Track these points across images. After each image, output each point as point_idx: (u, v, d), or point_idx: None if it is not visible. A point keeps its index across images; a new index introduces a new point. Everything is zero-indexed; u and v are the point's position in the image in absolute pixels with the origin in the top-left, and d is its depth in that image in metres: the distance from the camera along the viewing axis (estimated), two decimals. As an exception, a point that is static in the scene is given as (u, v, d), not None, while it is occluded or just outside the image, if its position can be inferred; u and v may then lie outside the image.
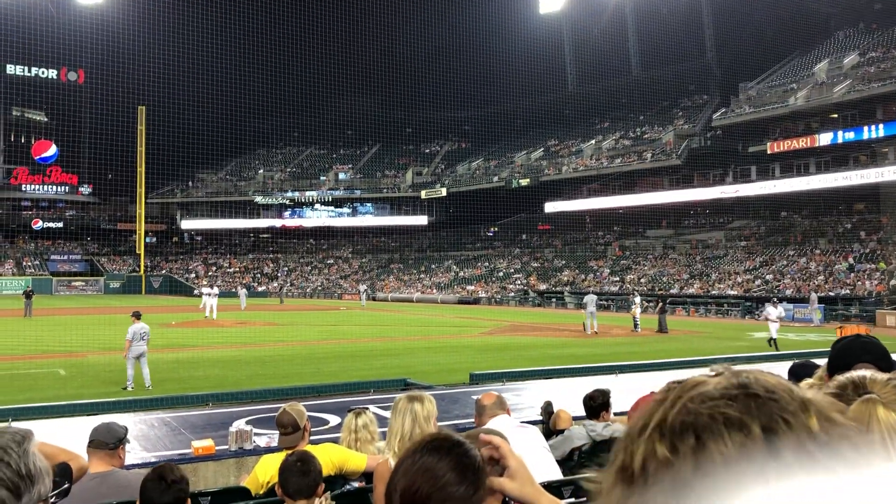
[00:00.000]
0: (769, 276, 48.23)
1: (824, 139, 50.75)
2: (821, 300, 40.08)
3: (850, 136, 49.70)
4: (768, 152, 54.03)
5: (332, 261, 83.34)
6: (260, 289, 73.23)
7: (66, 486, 1.61)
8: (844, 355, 2.75)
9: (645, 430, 0.76)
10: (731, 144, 58.47)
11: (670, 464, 0.70)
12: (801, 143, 51.99)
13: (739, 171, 59.29)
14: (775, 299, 28.93)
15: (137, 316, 16.45)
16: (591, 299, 31.67)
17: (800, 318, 39.37)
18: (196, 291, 50.09)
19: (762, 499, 0.63)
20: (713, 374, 0.78)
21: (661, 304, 32.80)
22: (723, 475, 0.66)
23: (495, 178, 74.01)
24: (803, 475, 0.65)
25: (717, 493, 0.65)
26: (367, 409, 5.78)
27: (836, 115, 52.30)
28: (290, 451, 4.93)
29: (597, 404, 6.84)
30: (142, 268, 77.32)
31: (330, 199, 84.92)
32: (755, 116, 55.59)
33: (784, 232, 55.93)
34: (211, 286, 47.34)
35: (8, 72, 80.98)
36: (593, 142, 71.53)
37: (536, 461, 4.59)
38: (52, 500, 1.45)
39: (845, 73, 52.64)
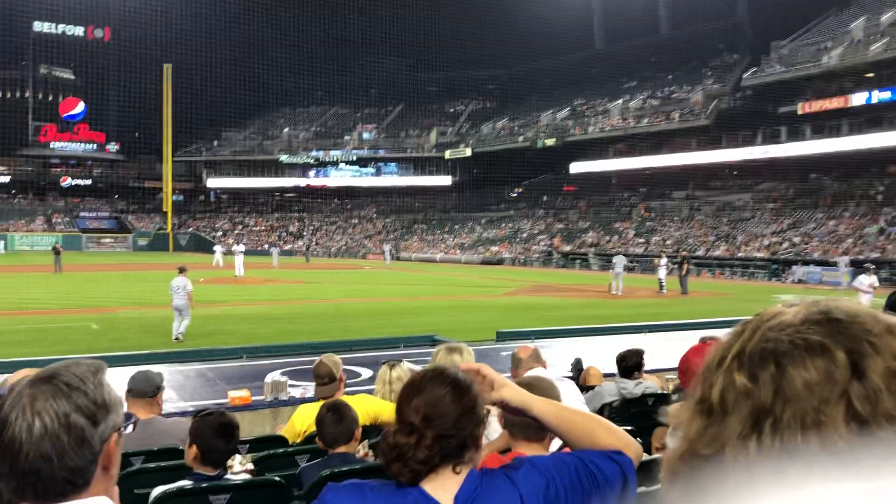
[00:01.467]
0: (797, 239, 47.68)
1: (858, 99, 49.62)
2: (850, 263, 39.60)
3: (886, 95, 48.49)
4: (799, 113, 52.99)
5: (356, 220, 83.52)
6: (286, 247, 73.75)
7: (134, 419, 1.66)
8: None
9: (723, 362, 0.75)
10: (761, 105, 57.40)
11: (750, 393, 0.70)
12: (833, 103, 50.89)
13: (769, 132, 58.25)
14: (870, 265, 25.27)
15: (181, 270, 16.78)
16: (619, 260, 31.60)
17: (828, 281, 39.03)
18: (221, 249, 50.21)
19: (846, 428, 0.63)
20: (789, 305, 0.77)
21: (685, 266, 32.56)
22: (805, 400, 0.66)
23: (520, 138, 73.42)
24: (890, 399, 0.64)
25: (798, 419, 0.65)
26: (401, 361, 5.84)
27: (871, 75, 50.99)
28: (325, 401, 5.01)
29: (630, 364, 6.81)
30: (169, 226, 78.04)
31: (354, 159, 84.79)
32: (787, 76, 54.44)
33: (813, 194, 55.11)
34: (237, 243, 47.61)
35: (35, 29, 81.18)
36: (620, 101, 70.56)
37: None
38: (125, 431, 1.50)
39: (883, 30, 51.22)
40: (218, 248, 50.17)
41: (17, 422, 1.34)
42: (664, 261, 33.54)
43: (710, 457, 0.72)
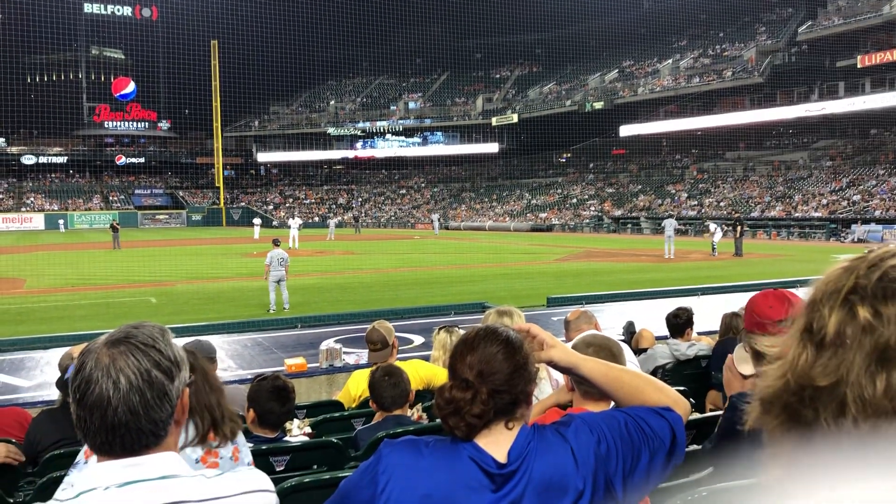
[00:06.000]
0: (856, 197, 46.33)
1: (922, 50, 47.74)
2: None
3: (951, 45, 46.60)
4: (858, 66, 51.15)
5: (404, 191, 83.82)
6: (337, 219, 74.48)
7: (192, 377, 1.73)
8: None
9: (837, 295, 0.76)
10: (817, 60, 55.58)
11: (872, 329, 0.71)
12: (895, 55, 48.99)
13: (826, 87, 56.47)
14: None
15: (276, 243, 17.20)
16: (669, 223, 31.14)
17: (888, 239, 37.92)
18: (275, 222, 51.20)
19: None
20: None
21: (739, 227, 31.90)
22: None
23: (568, 102, 72.45)
24: None
25: None
26: (457, 326, 5.89)
27: (936, 23, 49.00)
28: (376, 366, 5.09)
29: (681, 321, 6.82)
30: (221, 200, 79.37)
31: (401, 129, 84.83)
32: (845, 28, 52.51)
33: (873, 151, 53.38)
34: (292, 216, 48.56)
35: (86, 10, 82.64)
36: (670, 61, 69.05)
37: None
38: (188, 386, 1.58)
39: (947, -23, 49.02)
40: (257, 221, 51.25)
41: (102, 380, 1.43)
42: (713, 226, 32.72)
43: (814, 419, 0.73)
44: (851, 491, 0.66)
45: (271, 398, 3.79)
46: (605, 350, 2.72)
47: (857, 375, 0.71)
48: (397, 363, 5.35)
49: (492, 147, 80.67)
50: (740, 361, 2.94)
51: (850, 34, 52.45)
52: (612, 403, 2.18)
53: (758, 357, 2.81)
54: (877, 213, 42.89)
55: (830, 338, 0.74)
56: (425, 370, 5.58)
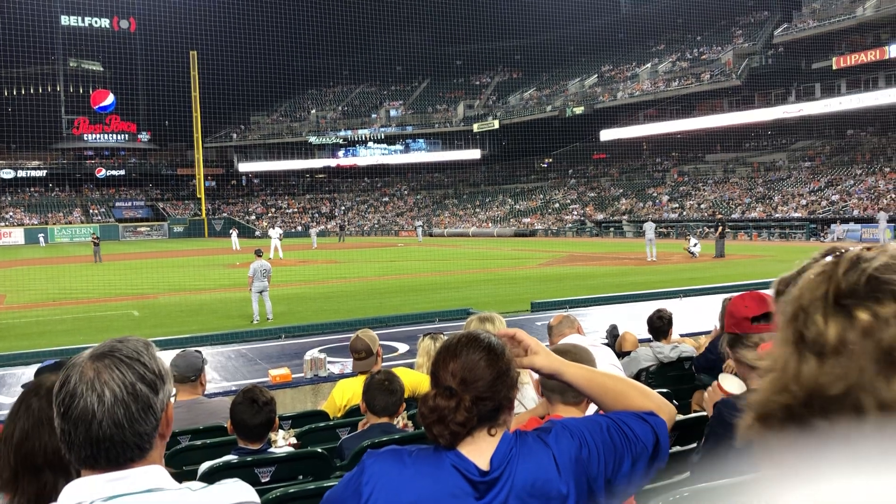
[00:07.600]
0: (835, 197, 46.82)
1: (895, 51, 48.32)
2: (890, 220, 38.79)
3: (924, 45, 47.22)
4: (834, 68, 51.76)
5: (387, 198, 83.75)
6: (319, 228, 74.22)
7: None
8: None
9: (824, 301, 0.74)
10: (793, 62, 56.20)
11: (872, 332, 0.70)
12: (869, 56, 49.58)
13: (803, 89, 57.08)
14: None
15: (259, 254, 17.25)
16: (649, 227, 31.35)
17: (868, 238, 38.27)
18: (257, 232, 51.13)
19: None
20: (866, 248, 0.79)
21: (721, 228, 32.13)
22: None
23: (549, 108, 72.76)
24: None
25: None
26: (442, 333, 5.89)
27: (907, 25, 49.66)
28: (367, 374, 5.08)
29: (663, 323, 6.84)
30: (203, 212, 78.93)
31: (382, 137, 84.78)
32: (820, 30, 53.13)
33: (850, 151, 53.98)
34: (272, 227, 48.58)
35: (63, 23, 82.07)
36: (649, 65, 69.54)
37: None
38: (172, 399, 1.58)
39: (918, -22, 49.71)
40: (233, 231, 51.35)
41: (86, 393, 1.43)
42: (693, 241, 32.84)
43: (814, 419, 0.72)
44: (849, 481, 0.66)
45: (242, 409, 3.81)
46: (571, 356, 2.74)
47: (871, 380, 0.70)
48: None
49: (474, 153, 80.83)
50: (729, 384, 2.93)
51: (824, 36, 53.07)
52: (595, 408, 2.19)
53: (740, 364, 2.85)
54: (855, 212, 43.36)
55: (832, 345, 0.72)
56: (410, 378, 5.58)
